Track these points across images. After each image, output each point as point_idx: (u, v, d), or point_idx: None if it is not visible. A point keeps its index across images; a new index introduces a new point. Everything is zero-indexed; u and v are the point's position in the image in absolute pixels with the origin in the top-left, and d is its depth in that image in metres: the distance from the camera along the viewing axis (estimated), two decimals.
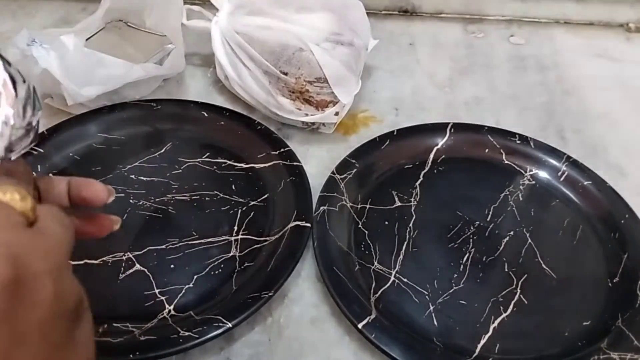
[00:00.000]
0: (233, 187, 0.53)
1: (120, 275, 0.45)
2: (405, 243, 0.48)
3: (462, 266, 0.47)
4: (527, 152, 0.56)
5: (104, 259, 0.46)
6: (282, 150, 0.54)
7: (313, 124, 0.58)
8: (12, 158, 0.29)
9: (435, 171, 0.55)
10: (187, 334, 0.40)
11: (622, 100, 0.65)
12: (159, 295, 0.44)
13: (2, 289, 0.22)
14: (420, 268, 0.47)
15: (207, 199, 0.51)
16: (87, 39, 0.62)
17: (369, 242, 0.48)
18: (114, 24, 0.65)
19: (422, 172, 0.54)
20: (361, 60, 0.59)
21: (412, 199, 0.52)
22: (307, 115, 0.56)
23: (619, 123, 0.62)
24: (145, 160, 0.55)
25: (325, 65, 0.54)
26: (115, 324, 0.42)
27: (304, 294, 0.46)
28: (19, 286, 0.23)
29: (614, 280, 0.46)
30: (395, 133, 0.57)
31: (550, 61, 0.71)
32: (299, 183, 0.51)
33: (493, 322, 0.43)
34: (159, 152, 0.56)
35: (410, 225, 0.50)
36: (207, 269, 0.46)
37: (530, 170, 0.55)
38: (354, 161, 0.54)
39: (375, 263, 0.47)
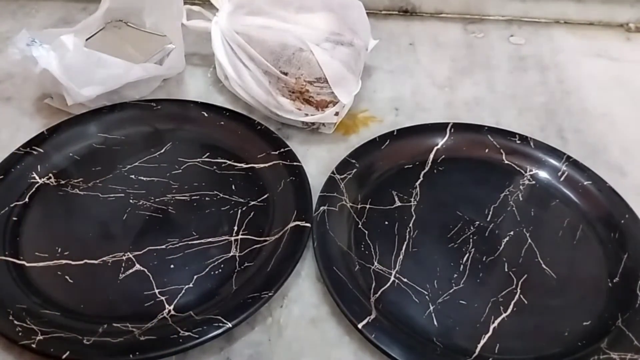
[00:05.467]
0: (233, 187, 0.53)
1: (120, 275, 0.45)
2: (405, 243, 0.48)
3: (462, 266, 0.47)
4: (527, 152, 0.56)
5: (104, 259, 0.46)
6: (282, 150, 0.54)
7: (313, 124, 0.58)
8: None
9: (435, 171, 0.55)
10: (187, 334, 0.40)
11: (622, 100, 0.65)
12: (159, 295, 0.44)
13: None
14: (420, 268, 0.47)
15: (207, 199, 0.51)
16: (87, 39, 0.62)
17: (369, 242, 0.48)
18: (114, 24, 0.65)
19: (422, 172, 0.54)
20: (361, 60, 0.59)
21: (412, 199, 0.52)
22: (307, 115, 0.56)
23: (619, 123, 0.62)
24: (145, 160, 0.55)
25: (325, 65, 0.54)
26: (115, 324, 0.42)
27: (304, 294, 0.46)
28: None
29: (614, 280, 0.46)
30: (395, 133, 0.57)
31: (550, 61, 0.71)
32: (299, 183, 0.51)
33: (493, 322, 0.43)
34: (159, 152, 0.56)
35: (410, 225, 0.50)
36: (207, 269, 0.46)
37: (530, 170, 0.55)
38: (354, 161, 0.54)
39: (375, 263, 0.47)
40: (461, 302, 0.45)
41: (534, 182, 0.54)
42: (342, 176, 0.52)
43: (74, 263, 0.46)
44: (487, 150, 0.56)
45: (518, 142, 0.56)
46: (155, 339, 0.40)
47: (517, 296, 0.45)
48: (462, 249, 0.48)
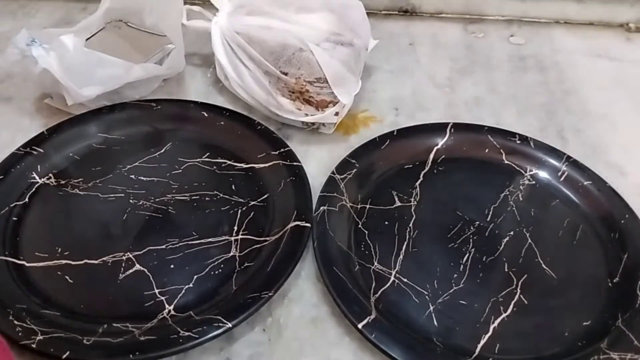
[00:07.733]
0: (233, 187, 0.53)
1: (120, 275, 0.45)
2: (405, 243, 0.48)
3: (462, 266, 0.47)
4: (527, 152, 0.56)
5: (104, 259, 0.46)
6: (282, 150, 0.54)
7: (313, 124, 0.58)
8: None
9: (435, 171, 0.55)
10: (187, 334, 0.40)
11: (622, 100, 0.65)
12: (159, 295, 0.44)
13: None
14: (420, 268, 0.47)
15: (207, 199, 0.51)
16: (87, 39, 0.62)
17: (369, 242, 0.48)
18: (114, 24, 0.65)
19: (422, 172, 0.54)
20: (361, 60, 0.59)
21: (412, 199, 0.52)
22: (307, 115, 0.56)
23: (619, 123, 0.62)
24: (145, 160, 0.55)
25: (325, 65, 0.54)
26: (115, 324, 0.42)
27: (304, 294, 0.46)
28: None
29: (614, 280, 0.46)
30: (395, 133, 0.57)
31: (550, 61, 0.71)
32: (299, 183, 0.51)
33: (493, 322, 0.43)
34: (159, 152, 0.56)
35: (410, 225, 0.50)
36: (207, 269, 0.46)
37: (530, 170, 0.55)
38: (354, 161, 0.54)
39: (375, 263, 0.47)
40: (461, 302, 0.45)
41: (534, 182, 0.54)
42: (342, 176, 0.52)
43: (74, 263, 0.46)
44: (487, 150, 0.56)
45: (518, 142, 0.56)
46: (155, 339, 0.40)
47: (517, 296, 0.45)
48: (462, 249, 0.48)
